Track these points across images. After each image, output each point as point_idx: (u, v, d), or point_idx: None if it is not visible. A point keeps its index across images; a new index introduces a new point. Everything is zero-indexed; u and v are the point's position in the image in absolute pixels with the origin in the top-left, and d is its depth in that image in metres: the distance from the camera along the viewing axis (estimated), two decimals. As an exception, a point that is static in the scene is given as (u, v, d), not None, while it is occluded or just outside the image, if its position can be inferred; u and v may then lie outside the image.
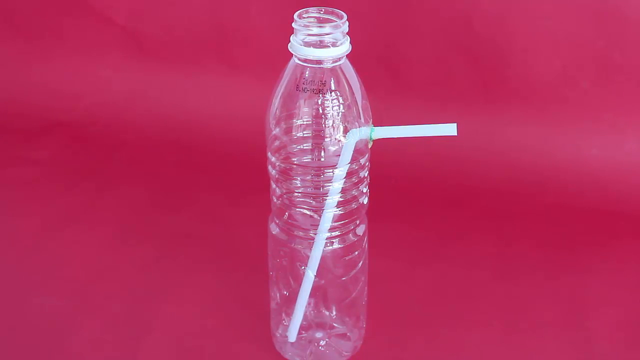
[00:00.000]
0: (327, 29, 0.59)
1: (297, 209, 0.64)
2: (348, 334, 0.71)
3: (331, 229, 0.64)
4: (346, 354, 0.71)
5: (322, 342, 0.70)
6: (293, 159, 0.63)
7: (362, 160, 0.63)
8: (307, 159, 0.62)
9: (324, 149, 0.62)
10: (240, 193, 0.96)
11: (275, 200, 0.66)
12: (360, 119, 0.61)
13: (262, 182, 0.69)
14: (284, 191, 0.64)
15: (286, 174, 0.63)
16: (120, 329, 0.76)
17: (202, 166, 1.04)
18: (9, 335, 0.75)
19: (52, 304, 0.78)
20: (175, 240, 0.88)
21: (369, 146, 0.63)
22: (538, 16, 0.98)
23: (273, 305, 0.71)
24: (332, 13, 0.60)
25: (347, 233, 0.66)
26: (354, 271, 0.68)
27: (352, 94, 0.61)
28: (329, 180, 0.62)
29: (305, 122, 0.61)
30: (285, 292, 0.69)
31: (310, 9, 0.60)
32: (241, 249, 0.86)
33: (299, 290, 0.66)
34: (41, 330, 0.75)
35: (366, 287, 0.70)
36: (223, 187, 0.99)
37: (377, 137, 0.62)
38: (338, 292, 0.69)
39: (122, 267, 0.84)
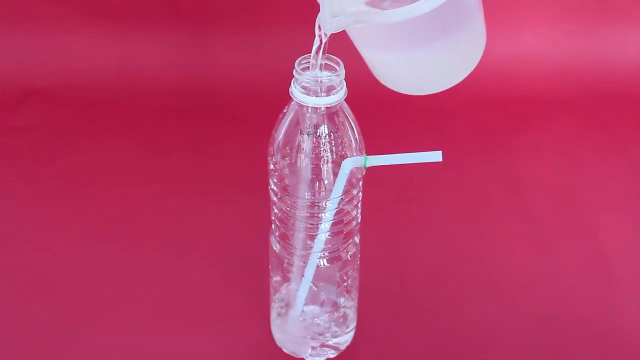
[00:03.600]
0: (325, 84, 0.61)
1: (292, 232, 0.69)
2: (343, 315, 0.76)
3: (324, 250, 0.69)
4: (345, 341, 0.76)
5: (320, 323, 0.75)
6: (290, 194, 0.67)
7: (355, 190, 0.68)
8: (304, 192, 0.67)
9: (318, 182, 0.66)
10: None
11: (273, 217, 0.70)
12: (353, 152, 0.65)
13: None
14: (281, 210, 0.69)
15: (283, 202, 0.68)
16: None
17: (178, 109, 1.12)
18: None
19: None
20: (180, 178, 0.99)
21: (363, 173, 0.67)
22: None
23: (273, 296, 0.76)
24: (330, 59, 0.62)
25: (340, 251, 0.71)
26: (347, 282, 0.73)
27: (348, 129, 0.65)
28: (324, 209, 0.66)
29: (302, 158, 0.65)
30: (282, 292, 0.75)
31: (308, 57, 0.62)
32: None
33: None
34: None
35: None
36: (202, 124, 1.09)
37: (370, 165, 0.66)
38: (333, 292, 0.75)
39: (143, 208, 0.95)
